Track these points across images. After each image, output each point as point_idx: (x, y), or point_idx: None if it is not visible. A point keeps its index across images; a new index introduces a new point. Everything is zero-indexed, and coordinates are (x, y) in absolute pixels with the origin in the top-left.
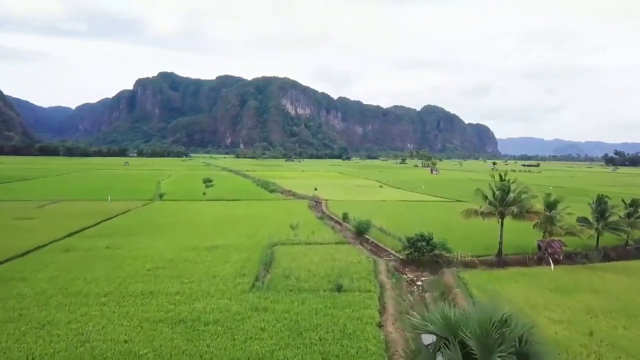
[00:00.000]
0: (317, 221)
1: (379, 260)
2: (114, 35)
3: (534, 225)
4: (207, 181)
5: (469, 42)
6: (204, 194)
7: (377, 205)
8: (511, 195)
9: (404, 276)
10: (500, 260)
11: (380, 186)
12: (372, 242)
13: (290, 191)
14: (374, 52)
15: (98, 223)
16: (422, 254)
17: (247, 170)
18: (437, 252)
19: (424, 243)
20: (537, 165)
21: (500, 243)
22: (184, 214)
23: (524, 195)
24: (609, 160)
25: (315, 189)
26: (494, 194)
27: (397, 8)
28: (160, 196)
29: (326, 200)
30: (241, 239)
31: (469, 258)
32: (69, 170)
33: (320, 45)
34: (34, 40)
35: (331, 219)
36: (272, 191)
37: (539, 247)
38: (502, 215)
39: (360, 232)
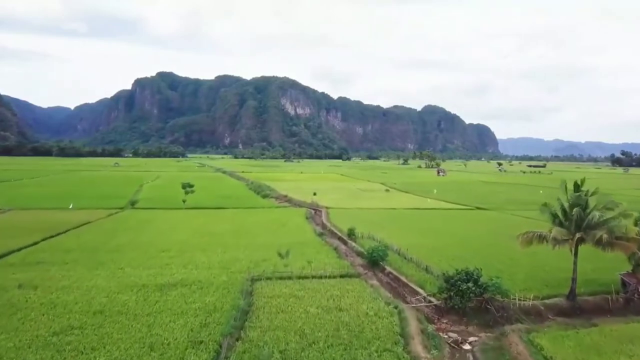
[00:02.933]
0: (316, 239)
1: (406, 309)
2: (113, 35)
3: (629, 257)
4: (188, 186)
5: (469, 42)
6: (184, 201)
7: (388, 215)
8: (595, 214)
9: (444, 335)
10: (575, 306)
11: (387, 190)
12: (390, 272)
13: (285, 196)
14: (374, 52)
15: (35, 243)
16: (468, 299)
17: (242, 172)
18: (487, 295)
19: (470, 284)
20: (544, 166)
21: (574, 280)
22: (150, 230)
23: (610, 214)
24: (615, 161)
25: (314, 194)
26: (565, 211)
27: (397, 8)
28: (133, 204)
29: (327, 208)
30: (213, 270)
31: (531, 302)
32: (50, 171)
33: (320, 45)
34: (33, 40)
35: (333, 234)
36: (265, 196)
37: (624, 283)
38: (581, 242)
39: (375, 262)
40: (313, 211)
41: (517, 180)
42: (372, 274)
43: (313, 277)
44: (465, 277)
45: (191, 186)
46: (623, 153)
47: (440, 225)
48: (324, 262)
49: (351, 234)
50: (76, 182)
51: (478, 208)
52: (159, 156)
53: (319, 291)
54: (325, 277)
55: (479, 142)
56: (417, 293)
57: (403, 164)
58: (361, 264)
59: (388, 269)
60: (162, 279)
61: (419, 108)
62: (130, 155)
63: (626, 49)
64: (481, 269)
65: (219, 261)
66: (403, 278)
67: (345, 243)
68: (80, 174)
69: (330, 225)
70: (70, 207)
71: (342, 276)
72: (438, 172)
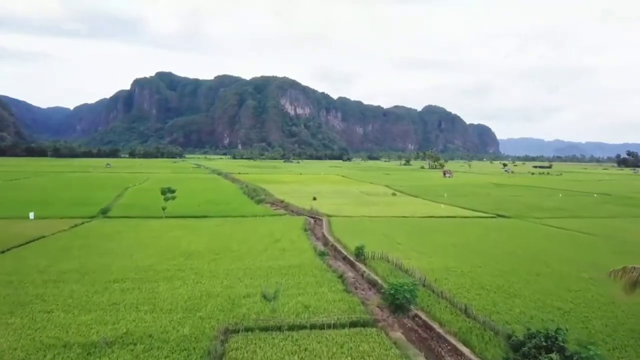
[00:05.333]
0: (316, 261)
1: None
2: (113, 35)
3: None
4: (168, 192)
5: (469, 42)
6: (164, 209)
7: (399, 226)
8: None
9: None
10: None
11: (393, 194)
12: (418, 316)
13: (282, 202)
14: (374, 52)
15: None
16: None
17: (239, 173)
18: None
19: (554, 356)
20: (550, 167)
21: None
22: (111, 248)
23: None
24: (621, 162)
25: (314, 199)
26: None
27: (398, 8)
28: (104, 212)
29: (328, 216)
30: (174, 315)
31: None
32: (33, 173)
33: (320, 45)
34: (33, 40)
35: (338, 253)
36: (259, 202)
37: None
38: None
39: (401, 305)
40: (312, 220)
41: (528, 182)
42: (393, 318)
43: (312, 326)
44: (544, 342)
45: (172, 191)
46: (629, 153)
47: (463, 239)
48: (327, 298)
49: (360, 253)
50: (55, 185)
51: (499, 215)
52: (156, 156)
53: (322, 356)
54: (330, 326)
55: (479, 142)
56: (460, 353)
57: (405, 164)
58: (377, 302)
59: (415, 310)
60: (99, 330)
61: (419, 108)
62: (127, 155)
63: (626, 49)
64: (567, 330)
65: (186, 298)
66: (437, 327)
67: (352, 266)
68: (65, 176)
69: (332, 239)
70: (31, 216)
71: (352, 324)
72: (444, 174)
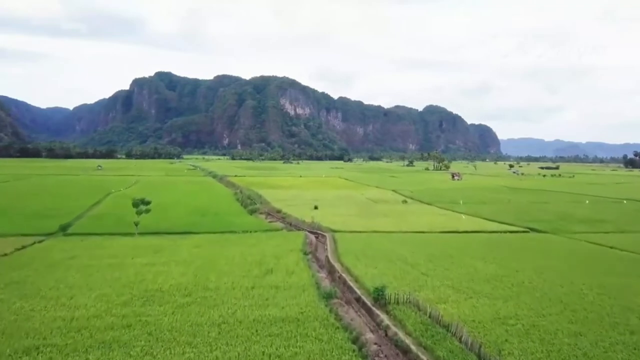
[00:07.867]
0: (320, 309)
1: None
2: (113, 35)
3: None
4: (142, 204)
5: (469, 42)
6: (136, 224)
7: (420, 247)
8: None
9: None
10: None
11: (404, 201)
12: None
13: (279, 212)
14: (374, 52)
15: None
16: None
17: (235, 176)
18: None
19: None
20: (557, 168)
21: None
22: (48, 286)
23: None
24: (628, 162)
25: (315, 208)
26: None
27: (398, 8)
28: (64, 229)
29: (332, 231)
30: None
31: None
32: (12, 176)
33: (320, 45)
34: (32, 40)
35: (348, 290)
36: (253, 212)
37: None
38: None
39: None
40: (314, 237)
41: (543, 186)
42: None
43: None
44: None
45: (146, 203)
46: (636, 154)
47: (504, 267)
48: None
49: (380, 296)
50: (27, 191)
51: (531, 229)
52: (154, 157)
53: None
54: None
55: (480, 142)
56: None
57: (408, 165)
58: None
59: None
60: None
61: (420, 108)
62: (123, 156)
63: (626, 49)
64: None
65: None
66: None
67: (370, 314)
68: (47, 180)
69: (340, 268)
70: None
71: None
72: (453, 176)
